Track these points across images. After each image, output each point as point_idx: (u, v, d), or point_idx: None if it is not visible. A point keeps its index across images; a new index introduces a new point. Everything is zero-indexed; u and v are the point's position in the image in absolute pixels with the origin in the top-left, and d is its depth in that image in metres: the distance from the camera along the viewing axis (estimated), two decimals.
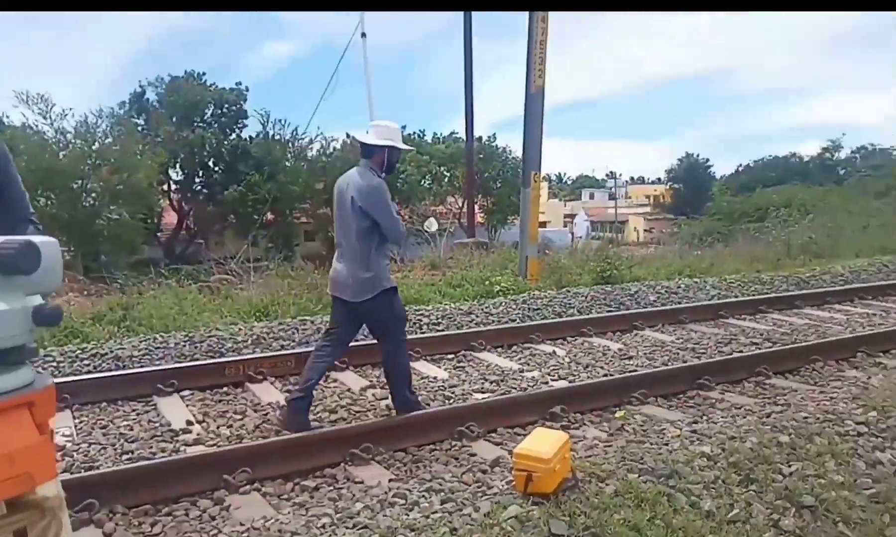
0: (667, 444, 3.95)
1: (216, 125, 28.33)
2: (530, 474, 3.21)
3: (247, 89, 29.21)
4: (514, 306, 8.23)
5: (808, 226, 18.46)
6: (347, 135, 32.53)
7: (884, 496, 3.61)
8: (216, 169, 28.27)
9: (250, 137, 28.36)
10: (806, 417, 4.36)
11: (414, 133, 34.78)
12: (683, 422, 4.47)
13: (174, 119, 27.58)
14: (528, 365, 6.02)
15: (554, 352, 6.42)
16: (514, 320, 7.68)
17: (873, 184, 31.72)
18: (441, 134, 35.77)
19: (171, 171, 28.05)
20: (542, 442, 3.34)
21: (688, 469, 3.57)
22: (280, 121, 28.24)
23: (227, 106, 28.64)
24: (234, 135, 28.34)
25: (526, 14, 10.35)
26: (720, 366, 5.65)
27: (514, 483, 3.33)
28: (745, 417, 4.49)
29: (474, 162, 17.47)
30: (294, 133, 27.92)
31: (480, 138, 31.86)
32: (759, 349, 6.38)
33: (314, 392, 4.44)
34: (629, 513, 3.12)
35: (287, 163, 27.26)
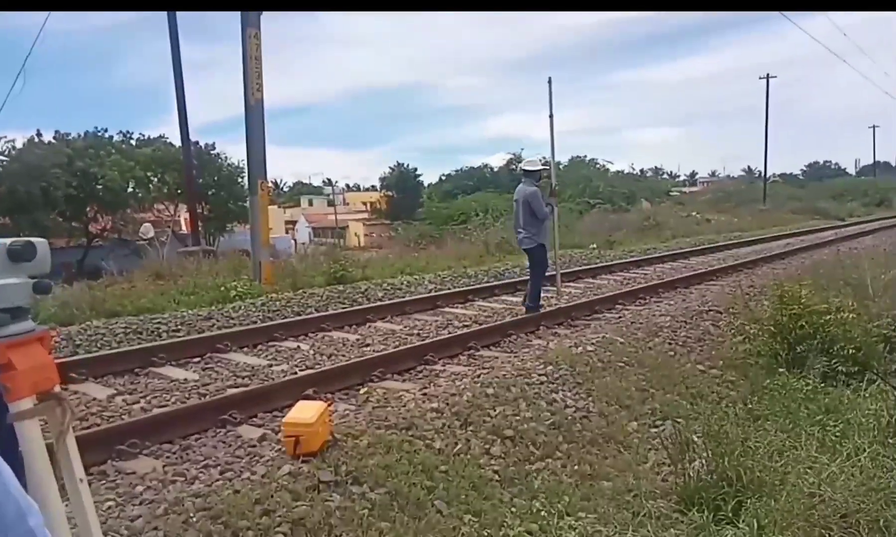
0: (405, 406, 4.80)
1: None
2: (298, 438, 3.78)
3: None
4: (254, 309, 8.54)
5: (502, 228, 21.46)
6: (38, 132, 28.68)
7: (558, 424, 4.91)
8: None
9: None
10: (505, 375, 5.57)
11: (118, 134, 31.88)
12: (416, 389, 5.41)
13: None
14: (276, 360, 6.47)
15: (298, 347, 6.95)
16: (255, 322, 8.00)
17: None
18: (148, 136, 33.24)
19: None
20: (306, 410, 3.94)
21: (422, 421, 4.46)
22: None
23: None
24: None
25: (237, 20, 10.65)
26: (440, 344, 6.79)
27: (284, 450, 3.87)
28: (462, 380, 5.56)
29: (191, 167, 16.86)
30: None
31: (197, 143, 30.33)
32: (469, 329, 7.67)
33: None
34: (381, 458, 3.88)
35: None
